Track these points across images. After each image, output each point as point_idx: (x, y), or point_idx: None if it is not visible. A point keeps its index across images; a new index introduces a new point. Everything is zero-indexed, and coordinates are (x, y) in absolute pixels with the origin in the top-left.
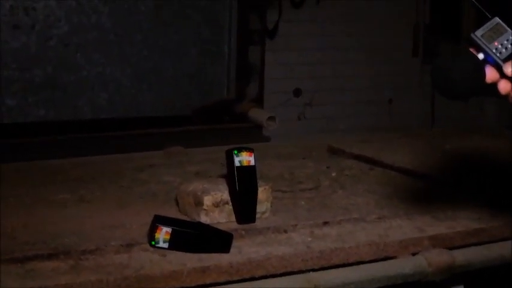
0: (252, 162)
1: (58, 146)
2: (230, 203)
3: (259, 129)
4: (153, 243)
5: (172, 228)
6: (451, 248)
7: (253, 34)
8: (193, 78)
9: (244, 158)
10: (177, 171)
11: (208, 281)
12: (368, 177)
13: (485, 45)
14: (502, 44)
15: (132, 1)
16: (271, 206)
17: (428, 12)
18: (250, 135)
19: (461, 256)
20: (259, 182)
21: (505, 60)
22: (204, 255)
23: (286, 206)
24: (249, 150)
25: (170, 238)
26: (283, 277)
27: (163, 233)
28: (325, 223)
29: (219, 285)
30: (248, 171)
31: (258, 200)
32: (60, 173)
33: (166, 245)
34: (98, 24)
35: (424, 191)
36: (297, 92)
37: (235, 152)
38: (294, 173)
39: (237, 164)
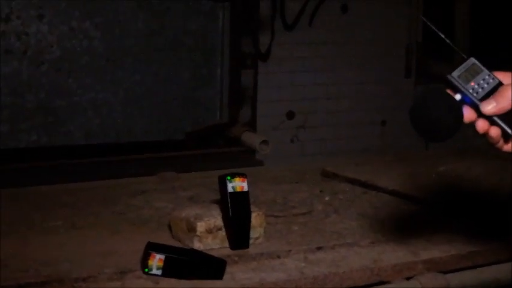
0: (245, 188)
1: (50, 172)
2: (223, 229)
3: (253, 153)
4: (146, 270)
5: (166, 255)
6: (445, 272)
7: (245, 57)
8: (186, 103)
9: (238, 184)
10: (170, 196)
11: None
12: (361, 201)
13: (462, 85)
14: (478, 84)
15: (124, 26)
16: (264, 232)
17: (420, 32)
18: (243, 159)
19: (455, 280)
20: (253, 208)
21: (482, 99)
22: (197, 282)
23: (279, 231)
24: (242, 175)
25: (163, 265)
26: None
27: (156, 260)
28: (319, 248)
29: None
30: (241, 197)
31: (251, 225)
32: (52, 199)
33: (159, 272)
34: (89, 49)
35: (417, 214)
36: (290, 115)
37: (228, 177)
38: (287, 197)
39: (230, 190)
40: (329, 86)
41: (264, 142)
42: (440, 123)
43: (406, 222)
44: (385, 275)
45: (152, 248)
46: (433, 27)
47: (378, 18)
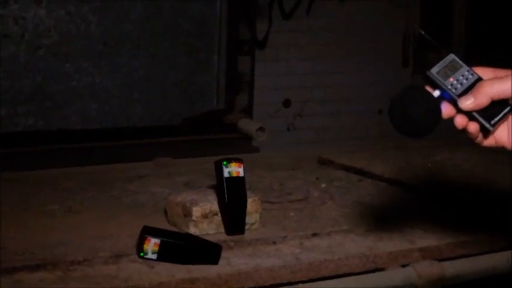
0: (241, 173)
1: (47, 156)
2: (219, 214)
3: (249, 140)
4: (141, 254)
5: (161, 240)
6: (441, 260)
7: (243, 44)
8: (183, 88)
9: (234, 169)
10: (166, 181)
11: None
12: (357, 189)
13: (441, 81)
14: (457, 80)
15: (122, 10)
16: (260, 218)
17: (418, 22)
18: (240, 145)
19: (451, 268)
20: (249, 193)
21: (460, 95)
22: (192, 267)
23: (275, 218)
24: (238, 161)
25: (159, 249)
26: None
27: (151, 245)
28: (315, 234)
29: None
30: (237, 182)
31: (247, 211)
32: (49, 184)
33: (155, 256)
34: (87, 34)
35: (413, 203)
36: (287, 103)
37: (225, 162)
38: (283, 184)
39: (226, 175)
40: (326, 74)
41: (261, 129)
42: (417, 120)
43: (401, 210)
44: (380, 262)
45: (148, 232)
46: (425, 34)
47: (375, 7)
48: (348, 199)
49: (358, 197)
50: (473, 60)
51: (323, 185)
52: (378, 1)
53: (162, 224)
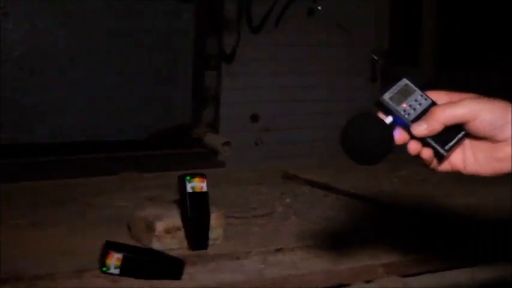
0: (205, 189)
1: (12, 170)
2: (182, 229)
3: (215, 155)
4: (104, 269)
5: (124, 254)
6: (405, 276)
7: (209, 59)
8: (149, 103)
9: (197, 184)
10: (131, 196)
11: None
12: (322, 204)
13: (394, 107)
14: (410, 105)
15: (88, 25)
16: (224, 233)
17: (387, 37)
18: (206, 160)
19: (415, 284)
20: (212, 209)
21: (413, 121)
22: (155, 282)
23: (239, 233)
24: (202, 176)
25: (121, 264)
26: None
27: (114, 259)
28: (278, 250)
29: None
30: (200, 197)
31: (210, 226)
32: (14, 197)
33: (117, 271)
34: (53, 48)
35: (378, 218)
36: (255, 117)
37: (188, 178)
38: (247, 198)
39: (189, 190)
40: (294, 88)
41: (226, 143)
42: (369, 148)
43: (366, 225)
44: (344, 277)
45: (110, 246)
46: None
47: (344, 22)
48: (313, 214)
49: (323, 212)
50: (442, 75)
51: (288, 200)
52: (346, 16)
53: (126, 239)
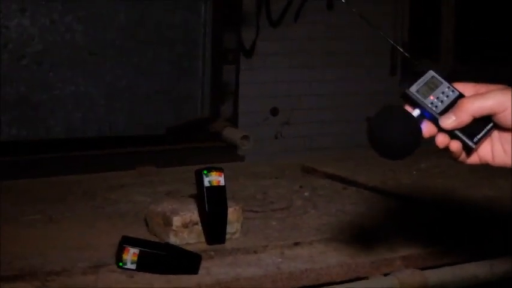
0: (222, 182)
1: (29, 166)
2: (200, 224)
3: (234, 149)
4: (120, 264)
5: (140, 249)
6: (423, 268)
7: (227, 53)
8: (167, 97)
9: (214, 178)
10: (148, 191)
11: None
12: (341, 197)
13: (421, 100)
14: (437, 98)
15: (106, 19)
16: (241, 227)
17: (407, 30)
18: (225, 154)
19: (434, 276)
20: (230, 202)
21: (441, 113)
22: (172, 277)
23: (257, 227)
24: (219, 170)
25: (138, 259)
26: None
27: (130, 254)
28: (296, 244)
29: None
30: (218, 191)
31: (228, 220)
32: (32, 193)
33: (134, 266)
34: (71, 43)
35: (397, 211)
36: (275, 111)
37: (205, 172)
38: (266, 192)
39: (206, 184)
40: (314, 82)
41: (245, 137)
42: (397, 142)
43: (385, 218)
44: (362, 271)
45: (127, 241)
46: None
47: (364, 15)
48: (331, 207)
49: (342, 206)
50: (461, 66)
51: (306, 194)
52: (366, 9)
53: (143, 234)
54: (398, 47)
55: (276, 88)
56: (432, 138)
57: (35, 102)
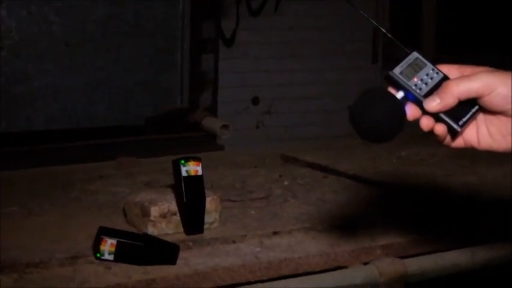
0: (200, 172)
1: (9, 158)
2: (178, 214)
3: (213, 138)
4: (98, 255)
5: (117, 240)
6: (404, 257)
7: (206, 43)
8: (146, 88)
9: (192, 168)
10: (127, 181)
11: None
12: (321, 186)
13: (405, 82)
14: (422, 80)
15: (84, 10)
16: (220, 216)
17: (387, 18)
18: (204, 144)
19: (414, 265)
20: (208, 192)
21: (425, 96)
22: (150, 268)
23: (235, 216)
24: (197, 159)
25: (115, 250)
26: None
27: (108, 245)
28: (275, 233)
29: None
30: (196, 181)
31: (206, 210)
32: (10, 185)
33: (111, 257)
34: (49, 34)
35: (377, 199)
36: (255, 100)
37: (182, 161)
38: (245, 181)
39: (184, 174)
40: (295, 72)
41: (225, 127)
42: (381, 125)
43: (365, 207)
44: (342, 260)
45: (104, 232)
46: (381, 28)
47: (344, 4)
48: (311, 196)
49: (322, 194)
50: (443, 54)
51: (286, 183)
52: None
53: (121, 225)
54: (387, 33)
55: (256, 77)
56: (415, 122)
57: (14, 94)
